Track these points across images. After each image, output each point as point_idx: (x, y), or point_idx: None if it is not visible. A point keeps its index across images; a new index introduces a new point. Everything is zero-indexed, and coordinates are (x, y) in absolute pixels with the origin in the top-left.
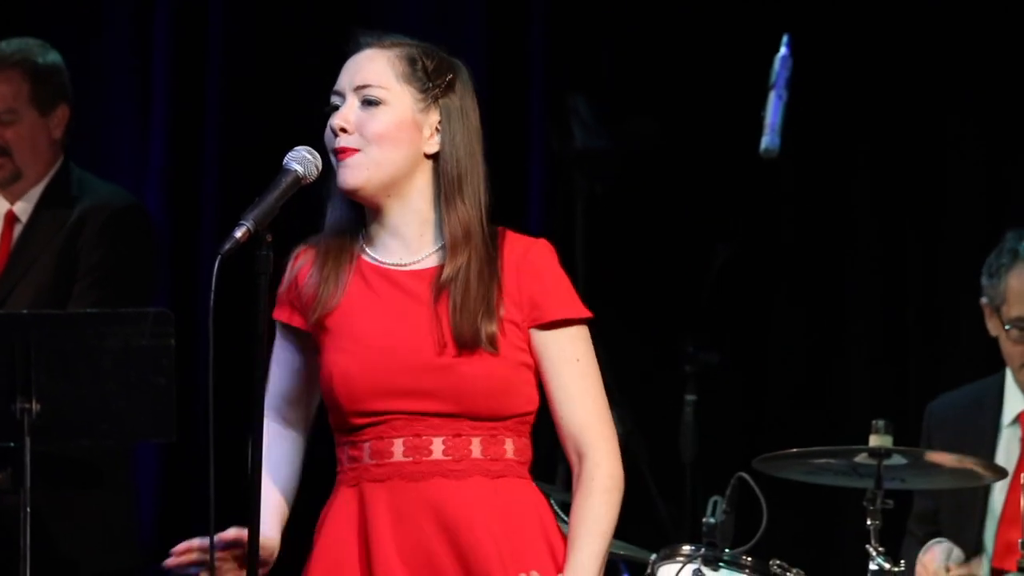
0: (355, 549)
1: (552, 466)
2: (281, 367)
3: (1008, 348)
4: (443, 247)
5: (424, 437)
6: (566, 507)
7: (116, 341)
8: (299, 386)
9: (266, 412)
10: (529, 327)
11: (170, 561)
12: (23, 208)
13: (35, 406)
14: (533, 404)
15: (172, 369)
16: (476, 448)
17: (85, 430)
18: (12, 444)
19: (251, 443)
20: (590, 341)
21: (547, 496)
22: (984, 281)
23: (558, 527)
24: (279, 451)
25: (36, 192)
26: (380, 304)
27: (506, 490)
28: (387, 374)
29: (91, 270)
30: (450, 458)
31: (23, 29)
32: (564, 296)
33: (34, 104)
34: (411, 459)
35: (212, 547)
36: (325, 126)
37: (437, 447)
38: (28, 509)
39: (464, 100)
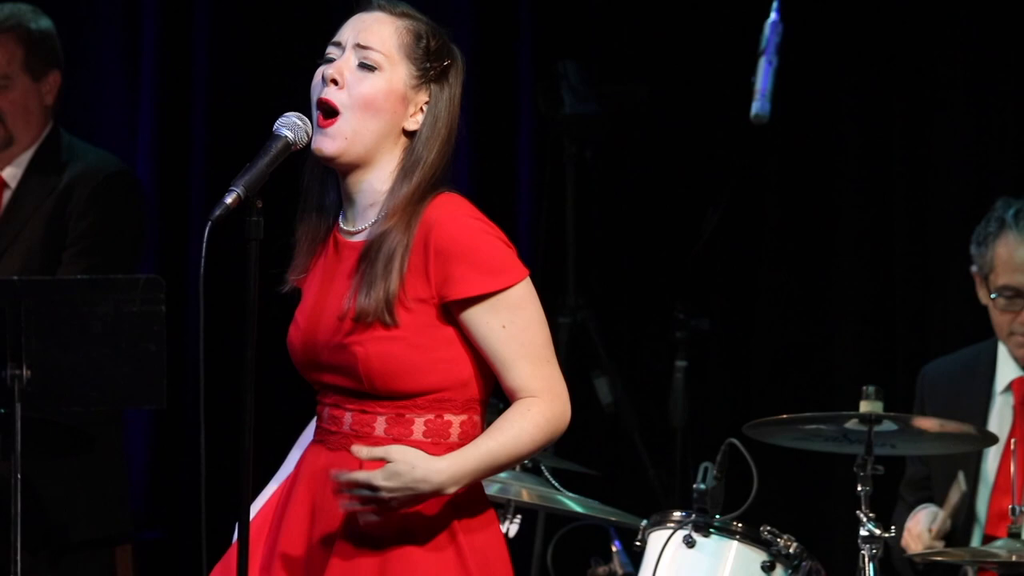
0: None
1: None
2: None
3: (996, 317)
4: (382, 217)
5: (339, 408)
6: (556, 473)
7: (107, 307)
8: None
9: None
10: (440, 303)
11: None
12: (12, 174)
13: (26, 372)
14: (453, 381)
15: (163, 335)
16: (380, 426)
17: (76, 396)
18: (3, 410)
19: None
20: (523, 301)
21: (538, 463)
22: (973, 250)
23: (454, 512)
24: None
25: (25, 158)
26: (326, 275)
27: None
28: (308, 347)
29: (80, 237)
30: (354, 432)
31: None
32: (476, 269)
33: (27, 70)
34: (333, 428)
35: (203, 521)
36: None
37: (347, 420)
38: (19, 475)
39: (454, 88)
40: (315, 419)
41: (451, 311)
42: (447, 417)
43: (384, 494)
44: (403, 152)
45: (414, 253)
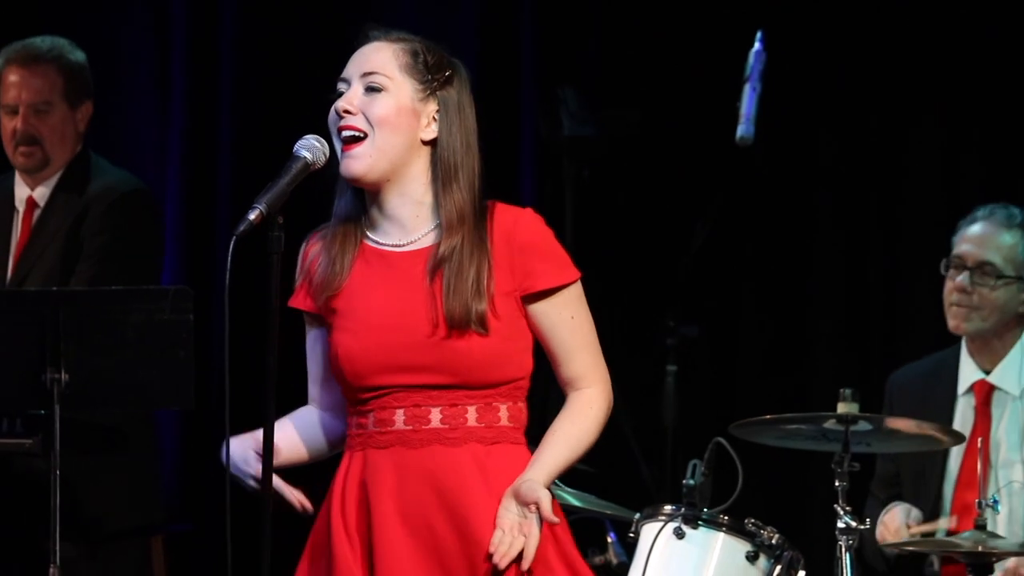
0: (355, 509)
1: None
2: (310, 353)
3: (945, 290)
4: (437, 227)
5: (423, 407)
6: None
7: (139, 316)
8: (327, 368)
9: (309, 400)
10: (522, 295)
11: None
12: (42, 194)
13: (64, 376)
14: (525, 370)
15: (191, 342)
16: (472, 416)
17: (110, 398)
18: (43, 412)
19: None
20: (582, 296)
21: None
22: (952, 241)
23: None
24: (308, 420)
25: (54, 179)
26: (380, 285)
27: (499, 455)
28: (386, 351)
29: (93, 251)
30: (447, 426)
31: (52, 23)
32: (553, 263)
33: (66, 98)
34: (411, 427)
35: (228, 513)
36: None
37: (435, 416)
38: (58, 472)
39: (461, 95)
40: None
41: (525, 303)
42: (520, 404)
43: (524, 521)
44: (428, 160)
45: (497, 252)
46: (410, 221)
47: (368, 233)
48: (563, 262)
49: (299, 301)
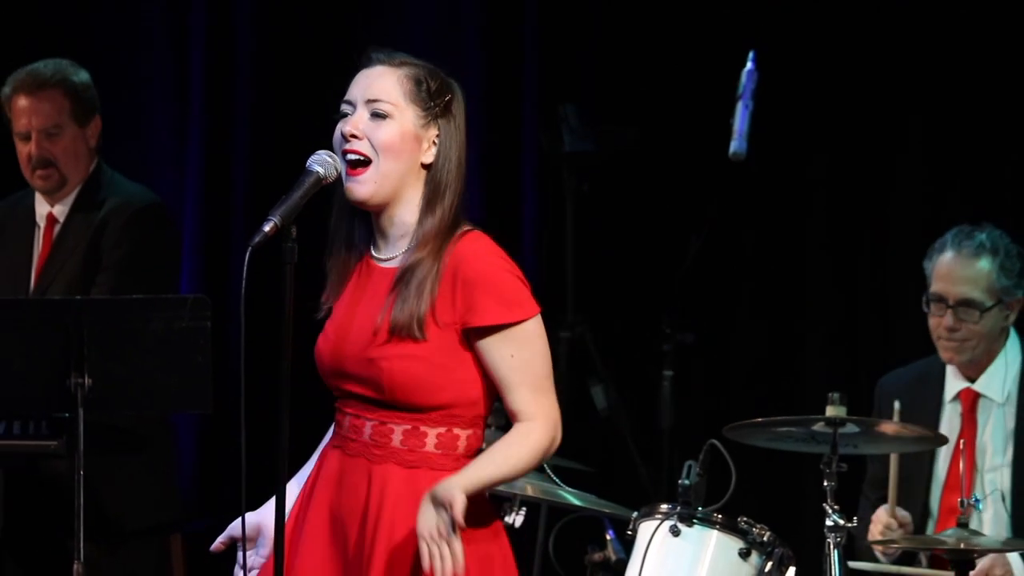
0: (302, 498)
1: None
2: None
3: (930, 323)
4: (413, 246)
5: (360, 418)
6: (557, 470)
7: (159, 324)
8: None
9: None
10: (461, 328)
11: (216, 546)
12: (61, 210)
13: (87, 381)
14: (466, 398)
15: (208, 348)
16: (397, 437)
17: (132, 402)
18: (67, 415)
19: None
20: (533, 333)
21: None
22: (925, 267)
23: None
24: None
25: (72, 195)
26: (357, 295)
27: (416, 480)
28: (335, 357)
29: (112, 264)
30: (373, 443)
31: (71, 41)
32: (497, 300)
33: (74, 118)
34: (352, 437)
35: (243, 505)
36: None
37: (367, 430)
38: (82, 472)
39: (458, 119)
40: (333, 425)
41: (469, 337)
42: (455, 431)
43: (440, 524)
44: (423, 182)
45: (443, 281)
46: (396, 239)
47: (371, 245)
48: (510, 300)
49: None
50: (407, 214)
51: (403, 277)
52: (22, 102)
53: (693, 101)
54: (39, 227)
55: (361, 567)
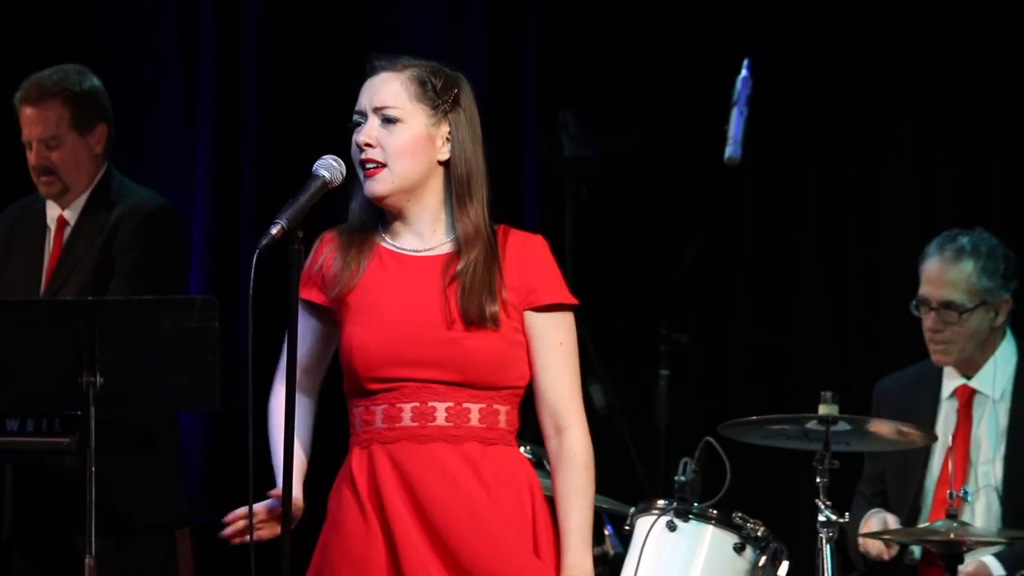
0: (370, 509)
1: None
2: (300, 341)
3: (923, 327)
4: (454, 239)
5: (430, 404)
6: None
7: (168, 324)
8: (314, 357)
9: (284, 380)
10: (524, 309)
11: (227, 532)
12: (71, 214)
13: (99, 380)
14: (524, 379)
15: (217, 348)
16: (474, 416)
17: (142, 400)
18: (79, 413)
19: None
20: (574, 328)
21: (539, 458)
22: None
23: (541, 491)
24: (305, 424)
25: (82, 199)
26: (395, 284)
27: (496, 455)
28: (399, 345)
29: (125, 268)
30: (451, 424)
31: (82, 48)
32: (556, 284)
33: (75, 128)
34: (418, 424)
35: (251, 504)
36: (348, 139)
37: (440, 414)
38: (93, 469)
39: (468, 109)
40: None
41: (526, 318)
42: (515, 411)
43: None
44: (443, 178)
45: (508, 266)
46: (427, 232)
47: (386, 237)
48: (564, 287)
49: (306, 293)
50: (433, 203)
51: (460, 265)
52: (26, 111)
53: (690, 107)
54: (50, 230)
55: (475, 535)
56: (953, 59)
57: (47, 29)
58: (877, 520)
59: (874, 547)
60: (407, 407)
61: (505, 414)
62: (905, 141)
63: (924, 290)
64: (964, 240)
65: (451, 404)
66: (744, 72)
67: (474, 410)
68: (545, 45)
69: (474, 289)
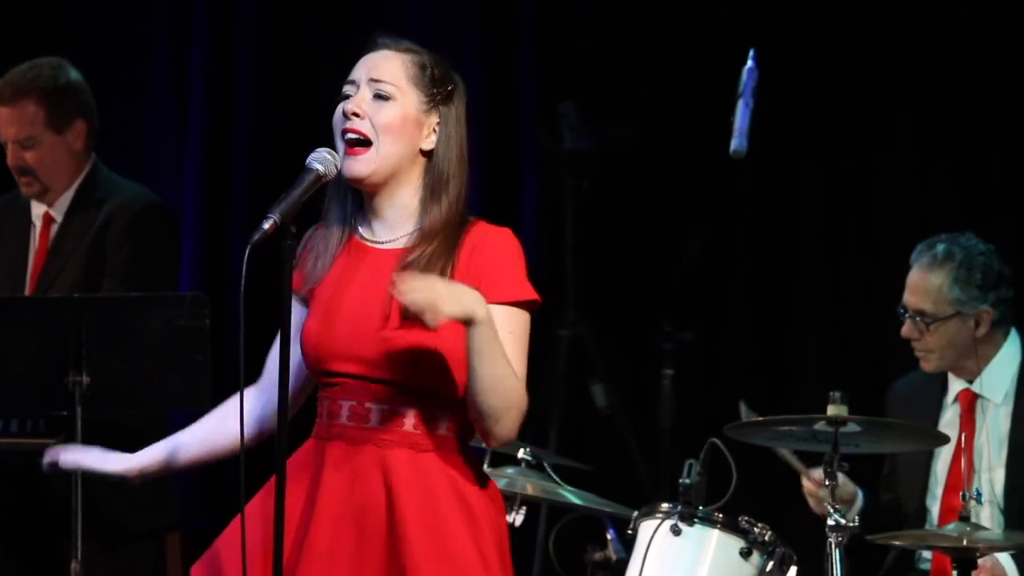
0: (303, 495)
1: (544, 436)
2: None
3: None
4: (418, 231)
5: (365, 405)
6: (558, 470)
7: (158, 321)
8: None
9: (263, 374)
10: None
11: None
12: (58, 211)
13: (85, 379)
14: (464, 383)
15: (207, 346)
16: (409, 421)
17: (130, 400)
18: (65, 413)
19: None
20: (525, 326)
21: (541, 460)
22: None
23: (478, 501)
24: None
25: (68, 196)
26: (353, 277)
27: (425, 463)
28: (340, 340)
29: (118, 265)
30: (383, 428)
31: (72, 43)
32: (509, 280)
33: (50, 127)
34: (353, 424)
35: (242, 505)
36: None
37: (374, 416)
38: (80, 473)
39: (459, 110)
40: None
41: None
42: (459, 414)
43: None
44: (423, 169)
45: (459, 261)
46: (396, 222)
47: (359, 227)
48: (520, 283)
49: (295, 285)
50: (406, 196)
51: (413, 261)
52: (1, 112)
53: (693, 99)
54: (35, 227)
55: (395, 552)
56: (954, 56)
57: (35, 22)
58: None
59: (815, 501)
60: (345, 405)
61: (448, 421)
62: (905, 138)
63: (904, 297)
64: (940, 248)
65: (386, 407)
66: (750, 63)
67: (409, 414)
68: (543, 35)
69: None
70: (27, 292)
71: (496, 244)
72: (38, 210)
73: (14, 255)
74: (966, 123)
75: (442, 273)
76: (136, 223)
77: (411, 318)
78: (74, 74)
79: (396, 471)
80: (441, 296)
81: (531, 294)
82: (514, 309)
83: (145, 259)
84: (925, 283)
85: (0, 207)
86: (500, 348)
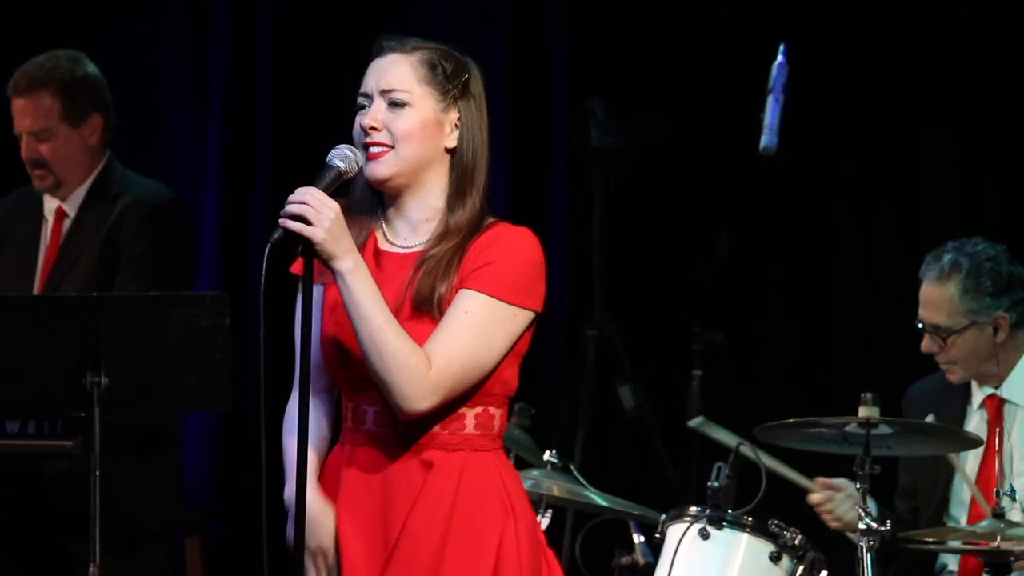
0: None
1: (571, 438)
2: (313, 331)
3: None
4: (440, 232)
5: (387, 409)
6: (586, 475)
7: (177, 321)
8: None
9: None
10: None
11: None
12: (71, 206)
13: (104, 380)
14: (497, 376)
15: (228, 346)
16: (433, 422)
17: (149, 401)
18: (83, 414)
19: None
20: (495, 316)
21: (567, 463)
22: None
23: (514, 501)
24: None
25: (82, 191)
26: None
27: (456, 465)
28: (349, 343)
29: (131, 261)
30: (407, 431)
31: (92, 38)
32: (500, 275)
33: (66, 120)
34: (379, 429)
35: (264, 512)
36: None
37: (399, 421)
38: (98, 473)
39: (478, 96)
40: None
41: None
42: (491, 410)
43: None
44: (448, 166)
45: (468, 255)
46: (422, 225)
47: (383, 226)
48: (510, 283)
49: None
50: (432, 198)
51: (427, 261)
52: (17, 103)
53: (722, 94)
54: (47, 222)
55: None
56: (991, 47)
57: (55, 15)
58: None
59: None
60: (370, 410)
61: (474, 417)
62: (944, 132)
63: (919, 311)
64: (946, 259)
65: (382, 408)
66: (780, 58)
67: (431, 415)
68: (573, 28)
69: (431, 272)
70: (37, 288)
71: (505, 242)
72: (51, 205)
73: (25, 250)
74: (1006, 116)
75: (449, 270)
76: (150, 219)
77: (420, 309)
78: (91, 68)
79: (424, 474)
80: (319, 226)
81: (512, 297)
82: (484, 297)
83: (159, 255)
84: (936, 297)
85: (11, 201)
86: (374, 306)
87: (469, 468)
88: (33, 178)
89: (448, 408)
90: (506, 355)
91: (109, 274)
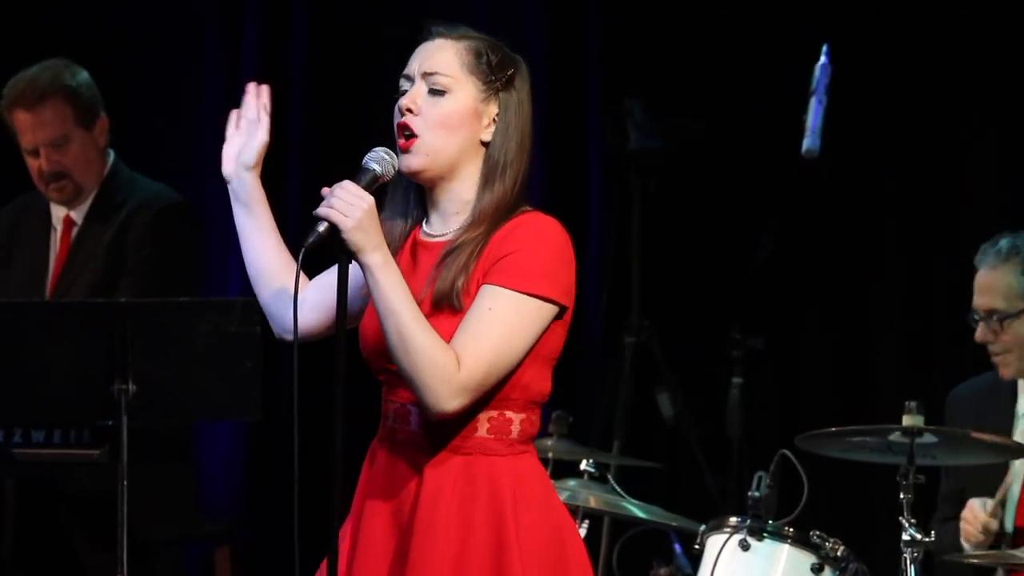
0: (358, 502)
1: (608, 435)
2: (326, 277)
3: None
4: (469, 222)
5: (407, 406)
6: (623, 484)
7: (206, 328)
8: (322, 299)
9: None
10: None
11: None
12: (78, 213)
13: (131, 387)
14: (515, 377)
15: (258, 353)
16: (446, 422)
17: (177, 409)
18: (110, 423)
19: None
20: (520, 312)
21: (605, 472)
22: None
23: (521, 509)
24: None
25: (90, 198)
26: (411, 273)
27: (470, 468)
28: (378, 335)
29: (138, 264)
30: (422, 430)
31: (120, 48)
32: (521, 267)
33: (80, 123)
34: (398, 426)
35: (296, 523)
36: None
37: (414, 419)
38: (125, 482)
39: (521, 94)
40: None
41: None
42: (508, 414)
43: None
44: (482, 159)
45: (490, 245)
46: (452, 216)
47: (423, 221)
48: (531, 274)
49: None
50: (465, 191)
51: (449, 251)
52: (23, 116)
53: (763, 96)
54: (56, 230)
55: (414, 561)
56: None
57: (86, 18)
58: (978, 502)
59: (972, 534)
60: (392, 406)
61: (487, 421)
62: (991, 135)
63: (974, 300)
64: (1003, 243)
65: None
66: (823, 59)
67: (451, 421)
68: (610, 29)
69: (451, 264)
70: (46, 295)
71: (525, 231)
72: (59, 213)
73: (33, 259)
74: None
75: (470, 261)
76: (156, 222)
77: (440, 304)
78: (83, 70)
79: (432, 478)
80: (350, 217)
81: (534, 287)
82: (506, 292)
83: (165, 258)
84: (994, 281)
85: (17, 210)
86: (402, 299)
87: (470, 471)
88: (50, 192)
89: (467, 414)
90: (530, 351)
91: (115, 280)
